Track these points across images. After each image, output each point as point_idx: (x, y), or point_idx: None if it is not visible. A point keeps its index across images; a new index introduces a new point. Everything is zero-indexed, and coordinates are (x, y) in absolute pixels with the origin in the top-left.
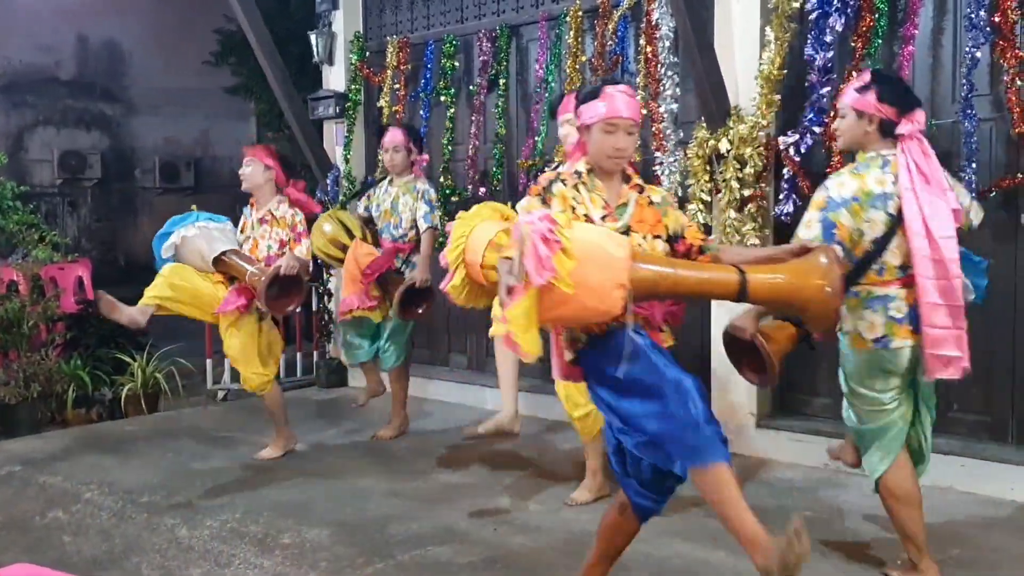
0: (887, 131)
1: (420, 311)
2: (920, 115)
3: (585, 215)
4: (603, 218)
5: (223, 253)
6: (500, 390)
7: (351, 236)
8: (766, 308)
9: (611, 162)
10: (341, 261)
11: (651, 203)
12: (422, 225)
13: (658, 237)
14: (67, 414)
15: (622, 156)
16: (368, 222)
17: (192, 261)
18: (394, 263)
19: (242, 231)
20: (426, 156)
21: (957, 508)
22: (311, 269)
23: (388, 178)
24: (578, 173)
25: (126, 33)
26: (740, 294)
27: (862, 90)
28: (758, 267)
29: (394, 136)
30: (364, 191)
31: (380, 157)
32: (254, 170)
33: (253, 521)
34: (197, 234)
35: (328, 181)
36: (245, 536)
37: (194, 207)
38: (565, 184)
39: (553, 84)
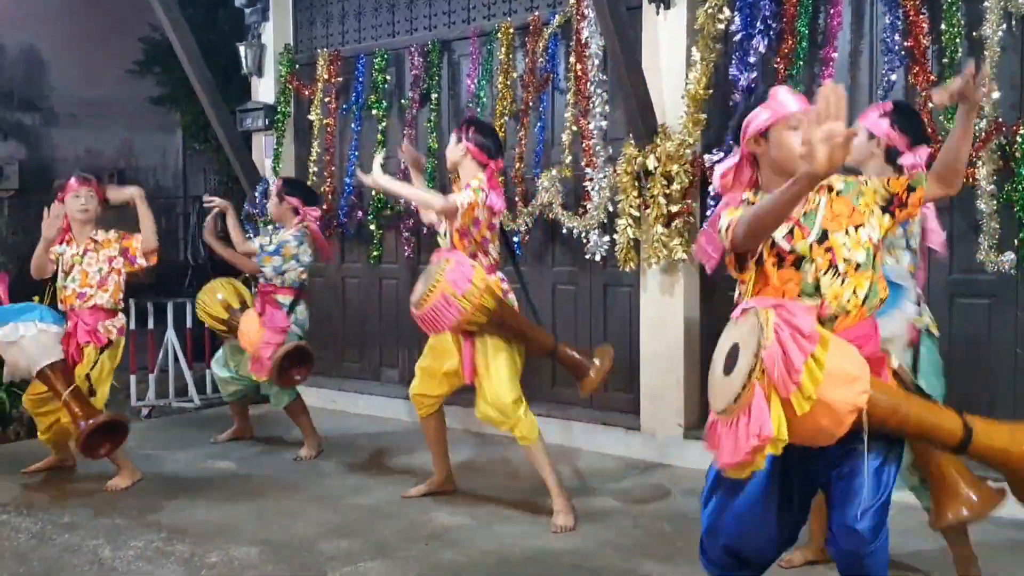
0: (891, 158)
1: (298, 377)
2: (924, 151)
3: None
4: (789, 233)
5: (49, 365)
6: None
7: (245, 308)
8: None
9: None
10: (226, 328)
11: (838, 193)
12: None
13: (861, 226)
14: None
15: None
16: None
17: (14, 363)
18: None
19: (66, 273)
20: (316, 211)
21: None
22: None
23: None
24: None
25: (45, 40)
26: (958, 448)
27: (882, 115)
28: (993, 427)
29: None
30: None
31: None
32: (94, 203)
33: (179, 540)
34: (34, 336)
35: (256, 193)
36: (171, 556)
37: (36, 298)
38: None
39: (485, 99)
